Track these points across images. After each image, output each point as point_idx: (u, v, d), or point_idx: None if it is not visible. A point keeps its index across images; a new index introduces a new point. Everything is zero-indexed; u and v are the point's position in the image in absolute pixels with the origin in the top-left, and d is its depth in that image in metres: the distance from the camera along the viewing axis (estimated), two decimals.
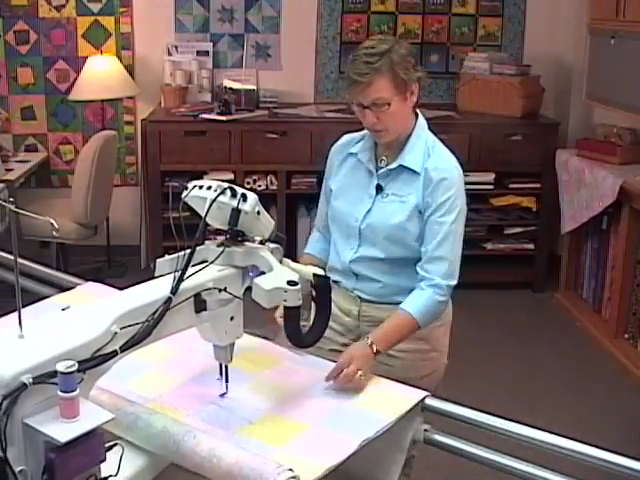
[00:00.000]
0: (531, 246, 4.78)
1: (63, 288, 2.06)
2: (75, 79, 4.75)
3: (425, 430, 1.53)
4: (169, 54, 4.93)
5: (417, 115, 2.07)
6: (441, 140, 2.09)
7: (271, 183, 4.58)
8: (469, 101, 4.85)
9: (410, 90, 1.97)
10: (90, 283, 2.08)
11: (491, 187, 4.61)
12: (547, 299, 4.72)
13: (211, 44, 4.98)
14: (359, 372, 1.70)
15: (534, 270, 4.80)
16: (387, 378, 1.71)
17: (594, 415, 3.41)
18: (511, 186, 4.67)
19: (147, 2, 4.89)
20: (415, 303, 1.94)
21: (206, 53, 4.98)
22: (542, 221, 4.72)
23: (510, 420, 1.46)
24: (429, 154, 2.02)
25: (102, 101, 4.80)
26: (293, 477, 1.23)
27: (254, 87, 4.88)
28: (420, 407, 1.54)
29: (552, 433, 1.41)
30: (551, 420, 2.88)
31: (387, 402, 1.56)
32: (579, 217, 4.33)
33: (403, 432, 1.53)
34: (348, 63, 1.98)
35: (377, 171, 2.06)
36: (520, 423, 1.45)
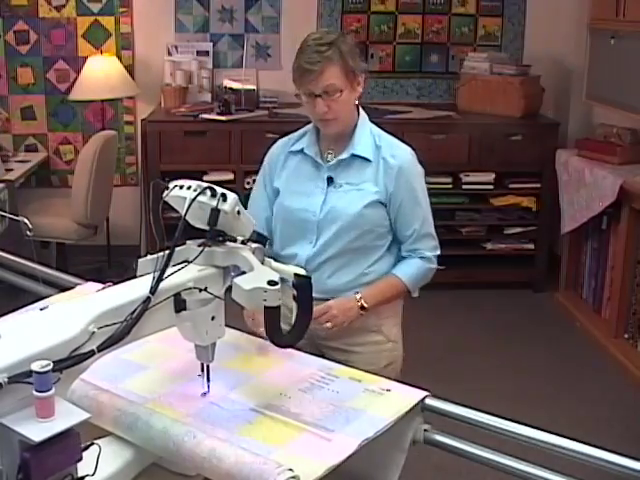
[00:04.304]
0: (531, 246, 4.78)
1: (63, 288, 2.05)
2: (75, 79, 4.75)
3: (425, 430, 1.53)
4: (169, 54, 4.94)
5: (358, 107, 2.13)
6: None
7: None
8: (469, 101, 4.84)
9: (357, 80, 2.04)
10: (90, 283, 2.07)
11: (491, 187, 4.60)
12: (547, 299, 4.72)
13: (211, 44, 4.98)
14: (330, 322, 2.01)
15: (534, 270, 4.81)
16: None
17: (594, 415, 3.41)
18: (511, 186, 4.67)
19: (147, 2, 4.89)
20: (405, 269, 2.11)
21: (206, 53, 4.98)
22: (542, 221, 4.72)
23: (510, 420, 1.46)
24: (379, 143, 2.09)
25: (102, 101, 4.80)
26: (293, 477, 1.22)
27: (254, 87, 4.88)
28: (420, 407, 1.54)
29: (552, 433, 1.41)
30: (551, 420, 2.87)
31: (387, 402, 1.56)
32: (579, 217, 4.33)
33: (403, 432, 1.52)
34: (297, 54, 2.03)
35: (325, 163, 2.11)
36: (520, 423, 1.45)
